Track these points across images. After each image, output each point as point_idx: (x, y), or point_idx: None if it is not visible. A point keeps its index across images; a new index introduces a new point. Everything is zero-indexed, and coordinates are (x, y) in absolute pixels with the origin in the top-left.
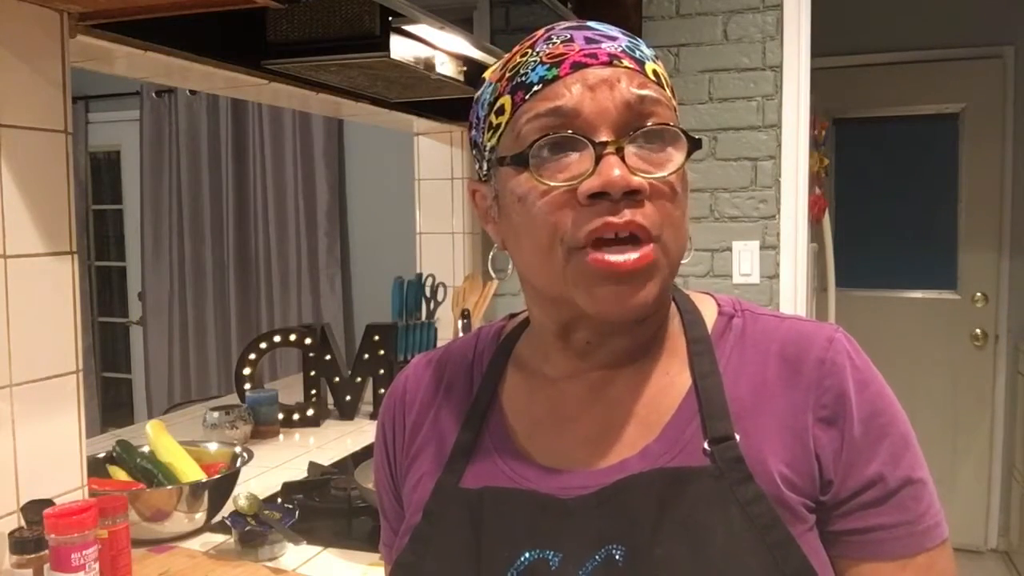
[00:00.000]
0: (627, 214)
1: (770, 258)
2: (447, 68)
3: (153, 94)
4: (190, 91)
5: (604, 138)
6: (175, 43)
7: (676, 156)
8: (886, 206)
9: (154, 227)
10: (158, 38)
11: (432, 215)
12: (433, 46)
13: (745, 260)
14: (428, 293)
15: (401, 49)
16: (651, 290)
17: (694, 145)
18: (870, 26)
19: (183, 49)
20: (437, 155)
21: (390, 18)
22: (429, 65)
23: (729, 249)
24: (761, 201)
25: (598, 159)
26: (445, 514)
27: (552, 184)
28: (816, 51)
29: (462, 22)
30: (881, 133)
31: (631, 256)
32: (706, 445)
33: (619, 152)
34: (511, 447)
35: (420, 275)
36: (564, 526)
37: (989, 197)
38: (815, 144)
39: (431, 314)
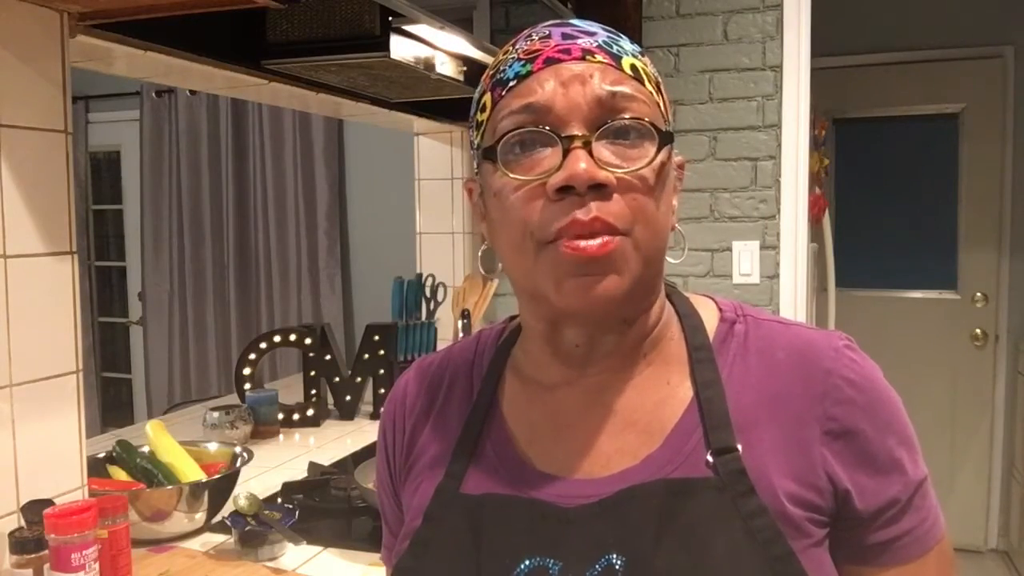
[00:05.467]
0: (593, 208)
1: (770, 258)
2: (447, 68)
3: (153, 94)
4: (190, 91)
5: (574, 132)
6: (175, 43)
7: (649, 151)
8: (886, 206)
9: (154, 227)
10: (158, 38)
11: (432, 215)
12: (433, 46)
13: (745, 260)
14: (428, 293)
15: (401, 49)
16: (618, 282)
17: (665, 139)
18: (870, 26)
19: (183, 49)
20: (437, 155)
21: (390, 18)
22: (429, 65)
23: (729, 249)
24: (761, 201)
25: (566, 153)
26: (445, 519)
27: (522, 179)
28: (816, 51)
29: (462, 22)
30: (881, 133)
31: (596, 242)
32: (709, 457)
33: (587, 147)
34: (511, 453)
35: (420, 275)
36: (564, 534)
37: (989, 197)
38: (815, 144)
39: (431, 314)
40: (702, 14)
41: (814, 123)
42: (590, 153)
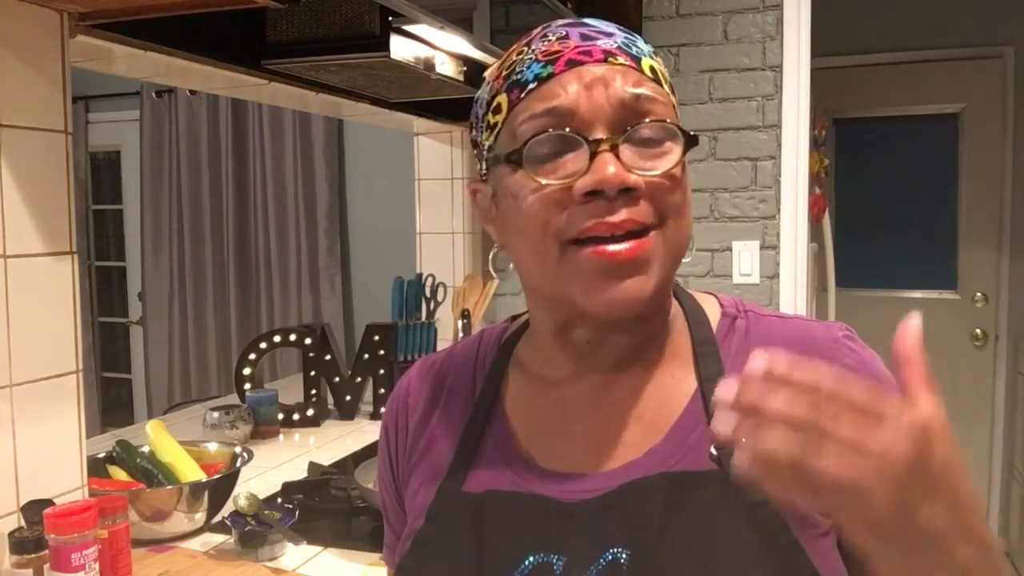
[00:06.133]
0: (623, 213)
1: (770, 258)
2: (447, 68)
3: (153, 94)
4: (190, 91)
5: (599, 136)
6: (175, 43)
7: (674, 152)
8: (886, 206)
9: (154, 227)
10: (158, 38)
11: (432, 215)
12: (433, 46)
13: (745, 260)
14: (428, 293)
15: (401, 49)
16: (648, 282)
17: (691, 142)
18: (870, 26)
19: (183, 49)
20: (437, 155)
21: (390, 18)
22: (429, 65)
23: (729, 249)
24: (761, 201)
25: (593, 157)
26: (448, 518)
27: (548, 182)
28: (816, 51)
29: (462, 22)
30: (881, 133)
31: (627, 245)
32: (713, 449)
33: (614, 150)
34: (513, 450)
35: (420, 275)
36: (568, 530)
37: (989, 197)
38: (815, 144)
39: (431, 314)
40: (702, 14)
41: (814, 123)
42: (617, 156)
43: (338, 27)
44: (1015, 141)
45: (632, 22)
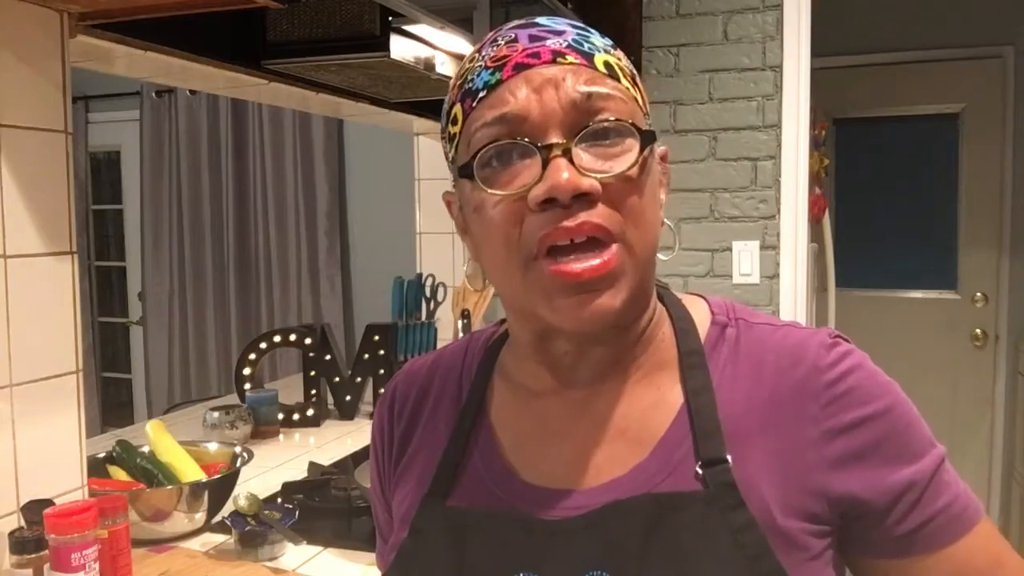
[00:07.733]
0: (581, 217)
1: (770, 258)
2: (447, 68)
3: (153, 94)
4: (190, 91)
5: (552, 140)
6: (175, 43)
7: (632, 150)
8: (886, 206)
9: (154, 227)
10: (158, 38)
11: (432, 215)
12: (433, 46)
13: (745, 260)
14: (428, 293)
15: (401, 49)
16: (616, 297)
17: (647, 139)
18: (870, 26)
19: (183, 49)
20: (437, 155)
21: (390, 18)
22: (429, 65)
23: (729, 249)
24: (761, 201)
25: (545, 163)
26: (430, 533)
27: (501, 194)
28: (816, 51)
29: (462, 22)
30: (881, 133)
31: (592, 262)
32: (698, 468)
33: (567, 154)
34: (498, 463)
35: (420, 275)
36: (549, 549)
37: (989, 197)
38: (815, 144)
39: (431, 314)
40: (702, 14)
41: (814, 123)
42: (571, 161)
43: (338, 27)
44: (1015, 141)
45: (632, 22)
